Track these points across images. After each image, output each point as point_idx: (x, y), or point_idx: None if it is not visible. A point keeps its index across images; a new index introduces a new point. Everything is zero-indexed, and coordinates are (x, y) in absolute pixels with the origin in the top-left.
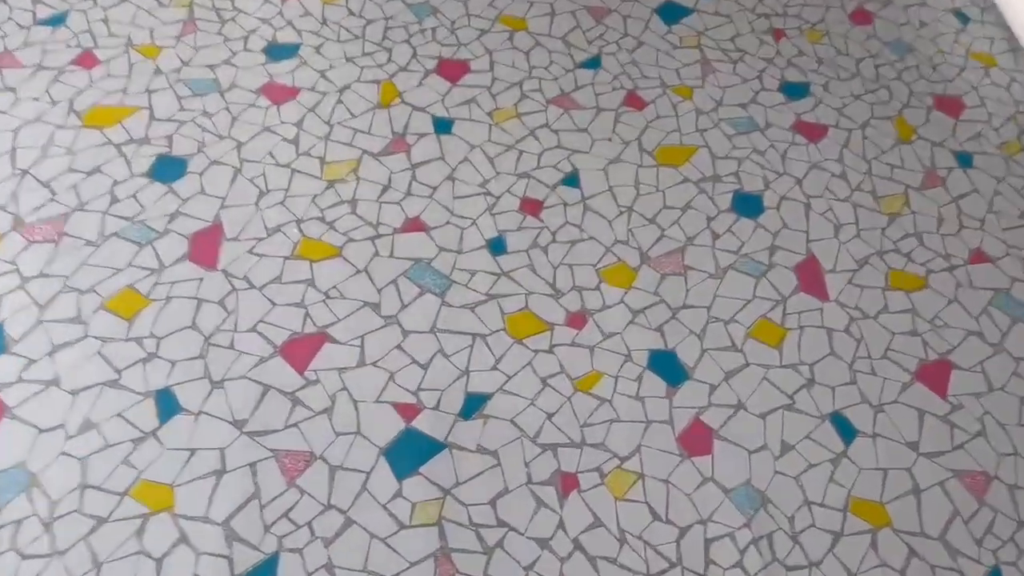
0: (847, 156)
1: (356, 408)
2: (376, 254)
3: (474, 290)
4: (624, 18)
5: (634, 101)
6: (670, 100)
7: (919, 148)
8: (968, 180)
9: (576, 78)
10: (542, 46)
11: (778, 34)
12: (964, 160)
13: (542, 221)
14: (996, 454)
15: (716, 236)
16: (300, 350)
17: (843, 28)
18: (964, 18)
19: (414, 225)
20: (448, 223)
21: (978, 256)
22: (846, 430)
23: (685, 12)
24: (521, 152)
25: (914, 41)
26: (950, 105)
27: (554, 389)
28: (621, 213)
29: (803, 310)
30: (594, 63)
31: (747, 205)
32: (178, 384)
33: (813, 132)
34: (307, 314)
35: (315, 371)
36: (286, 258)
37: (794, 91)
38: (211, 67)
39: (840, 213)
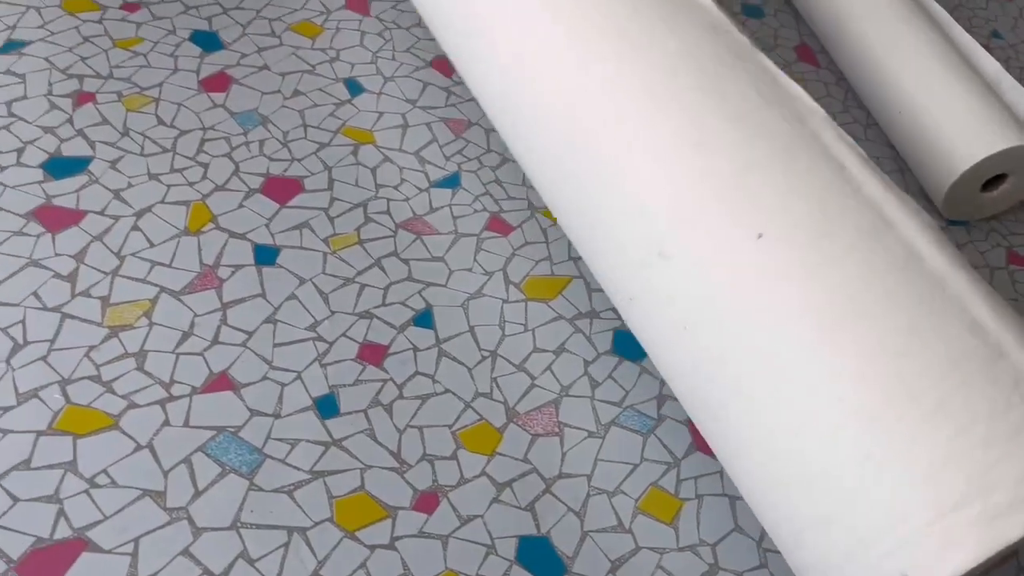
0: None
1: None
2: (166, 423)
3: (294, 467)
4: (486, 131)
5: (498, 225)
6: (539, 224)
7: None
8: None
9: (431, 199)
10: (391, 162)
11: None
12: None
13: (386, 372)
14: None
15: (595, 384)
16: (46, 565)
17: None
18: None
19: (219, 383)
20: (265, 378)
21: None
22: None
23: None
24: (363, 287)
25: None
26: None
27: None
28: (484, 359)
29: (700, 474)
30: (452, 181)
31: (629, 346)
32: None
33: None
34: (61, 511)
35: None
36: (40, 433)
37: None
38: None
39: None
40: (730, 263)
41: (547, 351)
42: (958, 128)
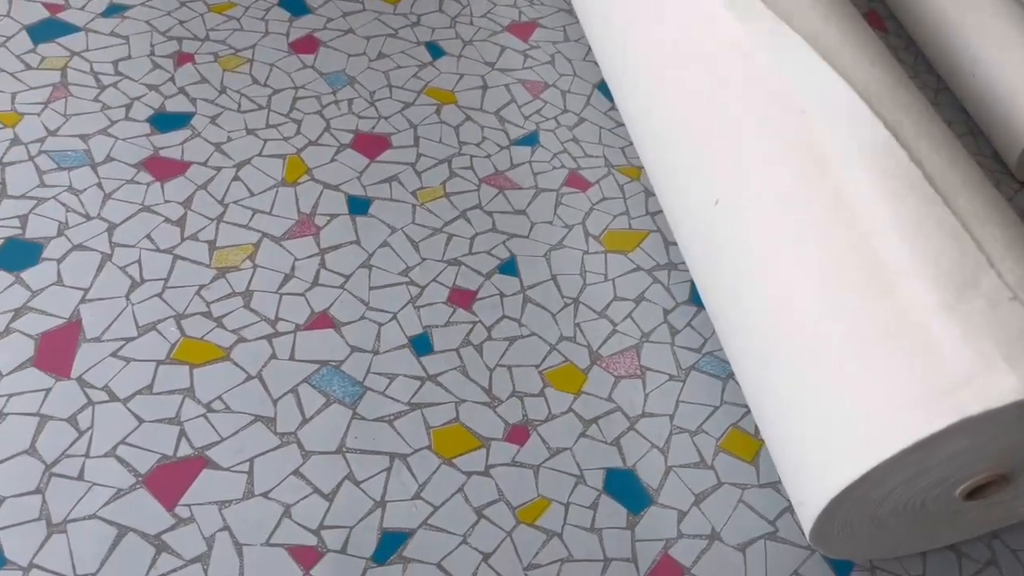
0: None
1: (240, 554)
2: (273, 356)
3: (393, 399)
4: (563, 93)
5: (576, 182)
6: (616, 180)
7: None
8: None
9: (512, 156)
10: (473, 121)
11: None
12: None
13: (475, 315)
14: None
15: (675, 331)
16: (170, 479)
17: None
18: None
19: (321, 321)
20: (363, 318)
21: None
22: (840, 563)
23: None
24: (450, 236)
25: None
26: None
27: (491, 522)
28: (567, 305)
29: None
30: (531, 140)
31: None
32: (3, 529)
33: None
34: (182, 432)
35: (188, 506)
36: (160, 362)
37: None
38: (83, 137)
39: None
40: (694, 220)
41: (627, 299)
42: None
